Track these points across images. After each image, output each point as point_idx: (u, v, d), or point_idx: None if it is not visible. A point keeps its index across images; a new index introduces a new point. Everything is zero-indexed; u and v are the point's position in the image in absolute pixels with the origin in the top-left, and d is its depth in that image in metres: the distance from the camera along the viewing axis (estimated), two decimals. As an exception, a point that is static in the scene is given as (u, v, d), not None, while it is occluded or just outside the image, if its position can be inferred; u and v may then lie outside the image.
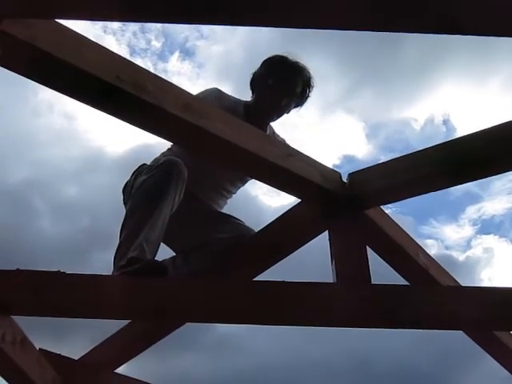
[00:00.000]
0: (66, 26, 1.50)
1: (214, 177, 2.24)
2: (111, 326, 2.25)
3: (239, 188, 2.39)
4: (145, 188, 1.93)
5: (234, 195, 2.39)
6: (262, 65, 2.33)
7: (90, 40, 1.55)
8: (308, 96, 2.32)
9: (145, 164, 2.15)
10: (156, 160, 2.17)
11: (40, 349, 1.95)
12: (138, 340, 2.22)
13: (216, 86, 2.30)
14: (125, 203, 2.09)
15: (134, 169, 2.14)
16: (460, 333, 2.32)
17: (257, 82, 2.32)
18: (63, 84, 1.53)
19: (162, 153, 2.27)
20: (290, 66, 2.27)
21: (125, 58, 1.61)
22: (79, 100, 1.58)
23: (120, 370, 2.33)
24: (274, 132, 2.35)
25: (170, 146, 2.29)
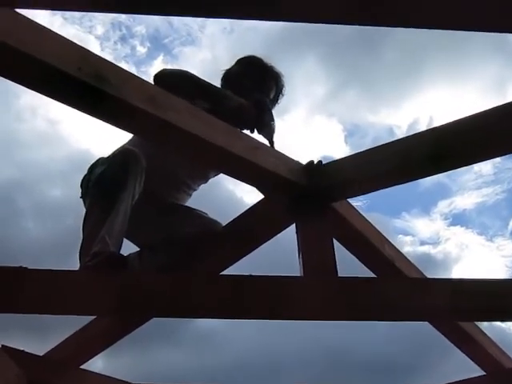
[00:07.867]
0: (24, 16, 1.45)
1: (175, 171, 2.21)
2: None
3: (200, 185, 2.37)
4: (103, 181, 1.90)
5: (195, 192, 2.35)
6: (237, 63, 2.34)
7: (50, 30, 1.49)
8: (278, 103, 2.33)
9: (101, 158, 2.10)
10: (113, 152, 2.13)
11: (2, 345, 1.92)
12: (104, 335, 2.19)
13: None
14: (82, 197, 2.05)
15: (91, 163, 2.10)
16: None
17: (230, 79, 2.31)
18: (22, 76, 1.48)
19: (122, 145, 2.22)
20: (267, 70, 2.29)
21: (86, 49, 1.56)
22: (41, 93, 1.54)
23: (97, 365, 2.31)
24: None
25: (130, 137, 2.24)
